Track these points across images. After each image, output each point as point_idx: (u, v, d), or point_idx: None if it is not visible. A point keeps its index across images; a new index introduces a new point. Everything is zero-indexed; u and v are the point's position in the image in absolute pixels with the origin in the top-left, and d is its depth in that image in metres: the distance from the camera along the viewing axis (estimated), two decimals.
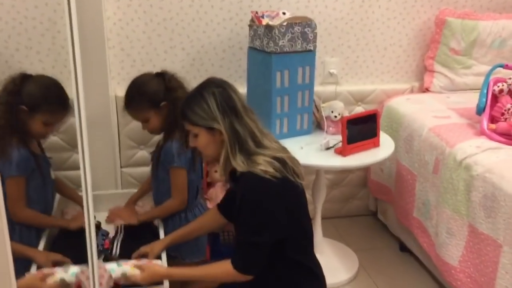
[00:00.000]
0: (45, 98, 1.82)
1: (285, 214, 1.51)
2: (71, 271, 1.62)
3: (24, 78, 1.83)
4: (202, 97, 1.54)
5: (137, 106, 1.91)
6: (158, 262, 1.72)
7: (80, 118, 1.38)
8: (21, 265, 1.66)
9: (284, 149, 1.61)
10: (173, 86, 1.91)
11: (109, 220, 2.01)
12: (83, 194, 1.44)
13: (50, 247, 1.90)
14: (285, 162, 1.52)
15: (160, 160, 1.95)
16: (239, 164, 1.51)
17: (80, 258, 1.79)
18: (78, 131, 1.38)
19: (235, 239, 1.59)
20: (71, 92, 1.37)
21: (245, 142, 1.52)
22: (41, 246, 1.85)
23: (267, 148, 1.54)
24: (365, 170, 2.81)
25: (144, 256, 1.74)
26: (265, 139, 1.56)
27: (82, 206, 2.04)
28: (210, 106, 1.52)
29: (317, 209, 2.41)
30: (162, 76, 1.94)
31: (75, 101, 1.37)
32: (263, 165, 1.48)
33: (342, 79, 2.70)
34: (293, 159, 1.58)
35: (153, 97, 1.88)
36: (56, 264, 1.73)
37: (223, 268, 1.56)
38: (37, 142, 1.96)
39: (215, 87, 1.55)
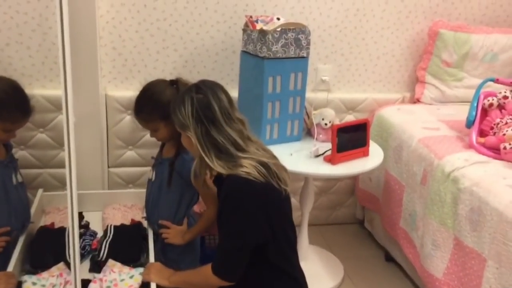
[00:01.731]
0: (4, 105, 1.72)
1: (266, 218, 1.50)
2: None
3: None
4: (182, 102, 1.53)
5: (148, 116, 1.84)
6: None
7: (68, 116, 1.37)
8: None
9: (272, 157, 1.59)
10: None
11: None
12: (68, 192, 1.43)
13: (29, 247, 1.88)
14: (269, 167, 1.51)
15: (176, 170, 1.86)
16: (218, 167, 1.50)
17: (60, 257, 1.78)
18: (65, 129, 1.37)
19: (218, 244, 1.58)
20: (60, 89, 1.34)
21: (225, 150, 1.50)
22: (18, 247, 1.82)
23: (252, 154, 1.52)
24: (354, 178, 2.81)
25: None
26: (251, 147, 1.55)
27: None
28: (185, 112, 1.51)
29: (304, 215, 2.40)
30: (176, 85, 1.87)
31: (63, 98, 1.36)
32: (247, 168, 1.47)
33: (334, 86, 2.71)
34: (278, 165, 1.57)
35: (166, 108, 1.75)
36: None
37: (204, 274, 1.56)
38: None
39: (196, 93, 1.52)
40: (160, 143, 1.98)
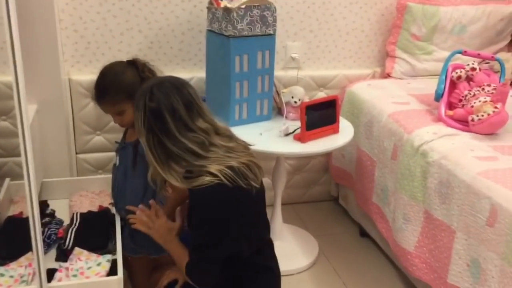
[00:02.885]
0: None
1: (237, 225, 1.44)
2: None
3: None
4: (137, 108, 1.44)
5: (112, 99, 1.76)
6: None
7: (20, 101, 1.31)
8: None
9: (246, 155, 1.48)
10: (147, 76, 1.78)
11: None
12: (25, 181, 1.39)
13: None
14: (235, 169, 1.41)
15: (139, 153, 1.79)
16: (171, 178, 1.42)
17: (28, 247, 1.74)
18: (17, 116, 1.32)
19: (190, 248, 1.54)
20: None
21: (182, 159, 1.41)
22: None
23: (214, 160, 1.41)
24: (327, 156, 2.80)
25: None
26: (215, 153, 1.43)
27: None
28: (139, 119, 1.42)
29: (277, 195, 2.39)
30: (135, 64, 1.80)
31: (14, 84, 1.30)
32: (210, 175, 1.38)
33: (304, 64, 2.68)
34: (250, 165, 1.46)
35: (130, 88, 1.71)
36: None
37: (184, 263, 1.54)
38: None
39: (149, 100, 1.40)
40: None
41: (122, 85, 1.76)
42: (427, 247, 1.92)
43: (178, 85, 1.44)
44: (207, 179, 1.38)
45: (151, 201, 1.70)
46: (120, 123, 1.85)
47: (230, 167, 1.40)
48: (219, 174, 1.37)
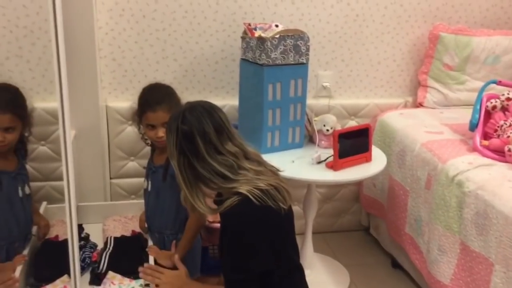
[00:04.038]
0: None
1: (268, 244, 1.44)
2: None
3: None
4: (170, 131, 1.48)
5: (169, 105, 1.83)
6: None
7: (65, 128, 1.36)
8: None
9: (274, 179, 1.50)
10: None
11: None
12: (66, 205, 1.42)
13: (32, 259, 1.87)
14: (264, 190, 1.43)
15: (169, 174, 1.85)
16: (200, 204, 1.46)
17: (63, 270, 1.77)
18: (62, 141, 1.36)
19: (223, 273, 1.53)
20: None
21: (211, 182, 1.44)
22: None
23: (244, 182, 1.43)
24: (358, 184, 2.79)
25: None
26: (244, 176, 1.45)
27: (39, 226, 2.02)
28: (171, 141, 1.47)
29: (308, 223, 2.37)
30: None
31: (59, 110, 1.35)
32: (240, 195, 1.41)
33: (336, 92, 2.69)
34: (278, 188, 1.48)
35: (178, 102, 1.86)
36: None
37: None
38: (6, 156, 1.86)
39: (182, 123, 1.45)
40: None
41: (174, 97, 1.89)
42: (463, 280, 1.87)
43: (209, 109, 1.49)
44: (236, 199, 1.41)
45: (147, 265, 1.75)
46: (163, 135, 1.84)
47: (259, 188, 1.42)
48: (248, 194, 1.40)
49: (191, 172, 1.45)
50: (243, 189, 1.41)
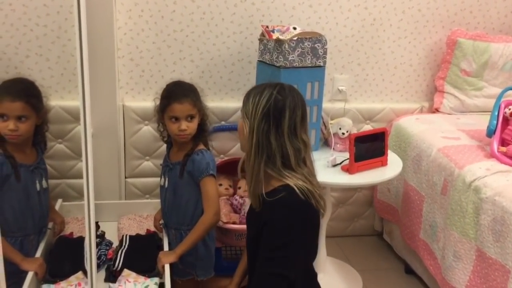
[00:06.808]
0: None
1: (301, 237, 1.45)
2: None
3: None
4: (261, 92, 1.48)
5: (194, 98, 1.88)
6: None
7: (86, 127, 1.37)
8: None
9: (317, 187, 1.53)
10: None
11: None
12: (85, 202, 1.43)
13: (47, 255, 1.88)
14: (310, 190, 1.46)
15: (186, 171, 1.89)
16: (256, 166, 1.46)
17: (78, 267, 1.78)
18: (82, 139, 1.37)
19: (257, 262, 1.49)
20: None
21: (273, 157, 1.45)
22: (38, 253, 1.84)
23: (296, 177, 1.46)
24: (372, 189, 2.78)
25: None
26: (301, 170, 1.47)
27: (54, 222, 2.04)
28: (259, 102, 1.46)
29: (321, 227, 2.36)
30: None
31: (81, 109, 1.36)
32: (289, 184, 1.43)
33: (351, 96, 2.69)
34: (320, 195, 1.51)
35: (200, 99, 1.92)
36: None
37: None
38: (26, 150, 1.88)
39: (278, 92, 1.46)
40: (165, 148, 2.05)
41: (197, 93, 1.93)
42: (479, 287, 1.86)
43: (302, 98, 1.53)
44: (282, 189, 1.43)
45: None
46: (187, 132, 1.87)
47: (305, 187, 1.45)
48: (294, 187, 1.43)
49: (264, 140, 1.46)
50: (291, 181, 1.44)
